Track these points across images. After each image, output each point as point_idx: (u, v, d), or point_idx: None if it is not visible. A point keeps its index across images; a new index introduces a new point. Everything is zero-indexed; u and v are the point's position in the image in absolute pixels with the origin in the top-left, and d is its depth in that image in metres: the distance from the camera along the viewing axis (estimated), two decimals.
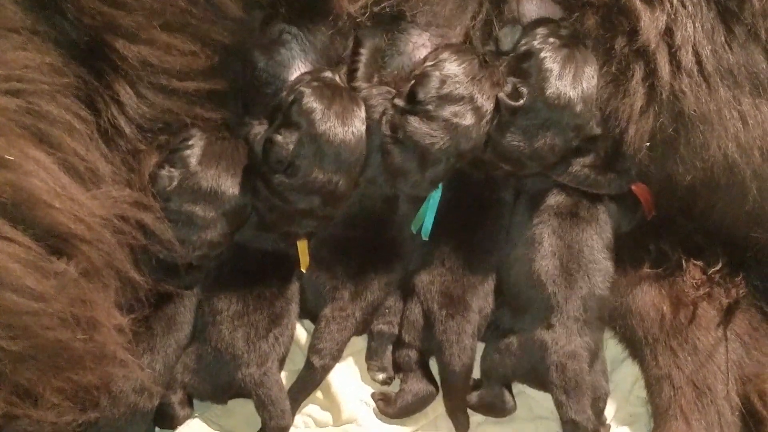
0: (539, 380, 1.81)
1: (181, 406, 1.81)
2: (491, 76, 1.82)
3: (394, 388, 1.88)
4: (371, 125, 1.82)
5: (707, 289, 1.87)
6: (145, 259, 1.72)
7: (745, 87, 1.74)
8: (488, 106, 1.79)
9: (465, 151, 1.79)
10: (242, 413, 1.86)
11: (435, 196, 1.87)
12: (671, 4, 1.75)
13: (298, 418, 1.86)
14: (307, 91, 1.77)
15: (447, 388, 1.84)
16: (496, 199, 1.92)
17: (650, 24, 1.74)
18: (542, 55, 1.79)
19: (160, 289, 1.78)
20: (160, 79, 1.69)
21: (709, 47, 1.74)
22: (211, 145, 1.81)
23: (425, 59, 1.87)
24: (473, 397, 1.85)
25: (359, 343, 1.91)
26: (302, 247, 1.87)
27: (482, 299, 1.86)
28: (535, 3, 1.93)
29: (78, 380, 1.53)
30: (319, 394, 1.88)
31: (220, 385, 1.81)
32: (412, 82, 1.82)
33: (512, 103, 1.78)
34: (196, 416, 1.85)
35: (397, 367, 1.87)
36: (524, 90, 1.78)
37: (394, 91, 1.87)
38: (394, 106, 1.81)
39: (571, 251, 1.84)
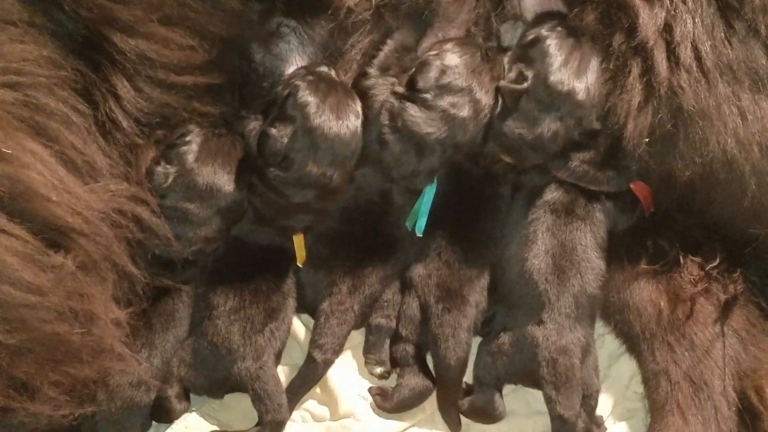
0: (531, 378, 1.81)
1: (178, 400, 1.81)
2: (492, 70, 1.82)
3: (391, 382, 1.88)
4: (370, 116, 1.82)
5: (705, 285, 1.87)
6: (142, 254, 1.72)
7: (745, 83, 1.74)
8: (486, 100, 1.79)
9: (461, 143, 1.79)
10: (239, 407, 1.86)
11: (429, 193, 1.87)
12: (671, 0, 1.74)
13: (296, 413, 1.86)
14: (302, 84, 1.77)
15: (441, 381, 1.84)
16: (493, 194, 1.92)
17: (649, 20, 1.74)
18: (548, 42, 1.79)
19: (158, 284, 1.78)
20: (158, 73, 1.69)
21: (709, 43, 1.73)
22: (208, 141, 1.80)
23: (429, 49, 1.87)
24: (464, 402, 1.85)
25: (357, 337, 1.91)
26: (298, 241, 1.87)
27: (479, 294, 1.87)
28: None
29: (75, 374, 1.54)
30: (316, 388, 1.88)
31: (216, 379, 1.82)
32: (413, 70, 1.82)
33: (514, 86, 1.78)
34: (193, 410, 1.85)
35: (394, 362, 1.87)
36: (528, 74, 1.78)
37: (395, 81, 1.86)
38: (394, 93, 1.81)
39: (565, 249, 1.84)
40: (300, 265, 1.88)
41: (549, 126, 1.78)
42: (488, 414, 1.84)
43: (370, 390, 1.88)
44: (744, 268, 1.88)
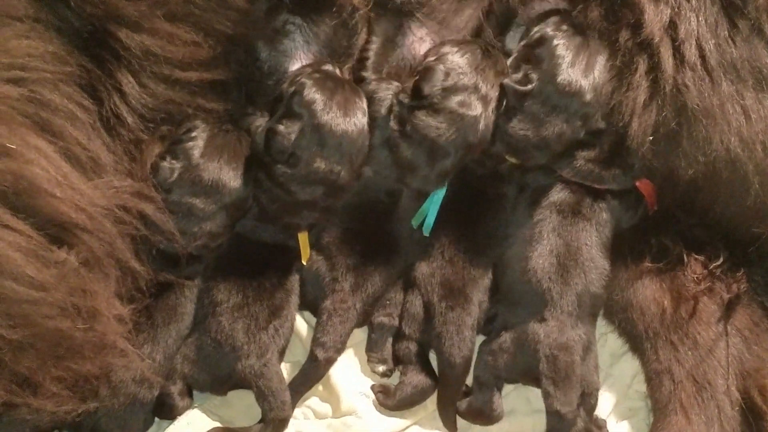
0: (532, 375, 1.80)
1: (181, 396, 1.81)
2: (495, 64, 1.82)
3: (393, 380, 1.88)
4: (378, 119, 1.82)
5: (708, 284, 1.87)
6: (146, 249, 1.72)
7: (749, 81, 1.74)
8: (493, 94, 1.79)
9: (473, 143, 1.78)
10: (242, 404, 1.86)
11: (438, 193, 1.86)
12: None
13: (298, 410, 1.86)
14: (309, 82, 1.77)
15: (445, 380, 1.84)
16: (498, 194, 1.92)
17: (654, 17, 1.74)
18: (555, 41, 1.78)
19: (162, 280, 1.78)
20: (163, 69, 1.68)
21: (713, 41, 1.73)
22: (214, 137, 1.80)
23: (426, 55, 1.87)
24: (462, 404, 1.84)
25: (359, 335, 1.91)
26: (303, 239, 1.87)
27: (482, 292, 1.87)
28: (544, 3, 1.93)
29: (78, 370, 1.53)
30: (318, 385, 1.87)
31: (219, 376, 1.81)
32: (416, 77, 1.81)
33: (519, 87, 1.77)
34: (195, 407, 1.85)
35: (397, 360, 1.87)
36: (534, 76, 1.78)
37: (400, 85, 1.86)
38: (400, 102, 1.81)
39: (569, 249, 1.83)
40: (304, 263, 1.88)
41: (555, 127, 1.78)
42: (486, 415, 1.84)
43: (372, 387, 1.88)
44: (747, 268, 1.88)
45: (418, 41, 1.94)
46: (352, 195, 1.86)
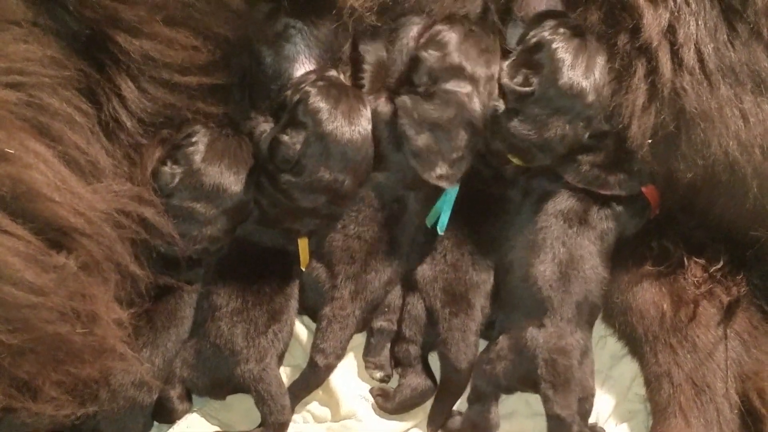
0: (530, 381, 1.80)
1: (180, 400, 1.81)
2: (477, 43, 1.81)
3: (393, 383, 1.88)
4: (382, 128, 1.83)
5: (709, 287, 1.87)
6: (146, 253, 1.72)
7: (747, 85, 1.74)
8: (481, 72, 1.78)
9: (472, 120, 1.77)
10: (241, 408, 1.85)
11: (452, 191, 1.85)
12: (674, 1, 1.74)
13: (297, 414, 1.86)
14: (313, 90, 1.77)
15: (448, 383, 1.84)
16: (502, 198, 1.91)
17: (653, 21, 1.74)
18: (554, 45, 1.77)
19: (161, 283, 1.78)
20: (162, 73, 1.68)
21: (711, 45, 1.73)
22: (215, 141, 1.80)
23: (417, 40, 1.87)
24: (455, 421, 1.84)
25: (358, 338, 1.91)
26: (303, 245, 1.87)
27: (483, 297, 1.86)
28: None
29: (77, 374, 1.54)
30: (318, 389, 1.87)
31: (218, 380, 1.81)
32: (405, 68, 1.83)
33: (518, 88, 1.77)
34: (194, 411, 1.85)
35: (396, 362, 1.87)
36: (534, 80, 1.77)
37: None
38: (392, 96, 1.82)
39: (573, 257, 1.83)
40: (303, 269, 1.88)
41: (557, 129, 1.77)
42: (482, 428, 1.83)
43: (371, 391, 1.87)
44: (747, 271, 1.88)
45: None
46: (360, 201, 1.85)
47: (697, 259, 1.90)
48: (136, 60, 1.64)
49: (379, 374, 1.87)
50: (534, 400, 1.89)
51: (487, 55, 1.81)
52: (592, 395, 1.82)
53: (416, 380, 1.84)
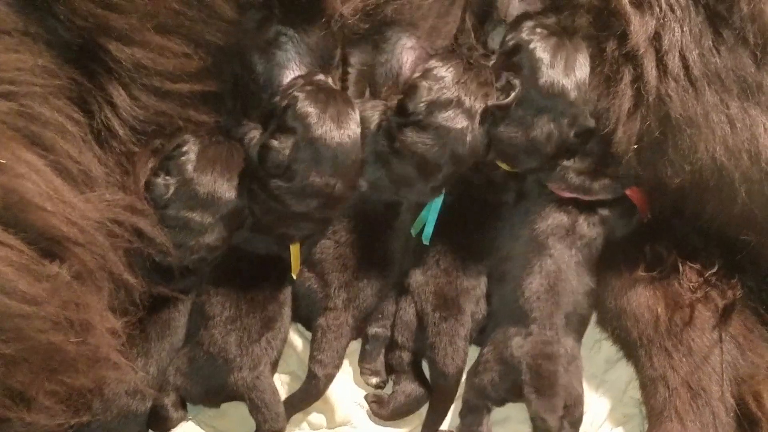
0: (518, 390, 1.79)
1: (175, 408, 1.80)
2: (477, 76, 1.82)
3: (387, 390, 1.88)
4: (368, 135, 1.83)
5: (704, 292, 1.87)
6: (140, 262, 1.72)
7: (733, 90, 1.74)
8: (477, 106, 1.79)
9: (462, 156, 1.79)
10: (236, 415, 1.85)
11: (437, 201, 1.87)
12: (660, 8, 1.75)
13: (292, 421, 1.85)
14: (301, 95, 1.77)
15: (437, 389, 1.84)
16: (495, 203, 1.92)
17: (639, 29, 1.75)
18: (531, 46, 1.79)
19: (155, 293, 1.77)
20: (154, 81, 1.68)
21: (697, 51, 1.75)
22: (206, 149, 1.80)
23: (414, 71, 1.88)
24: None
25: (353, 345, 1.91)
26: (295, 251, 1.87)
27: (474, 303, 1.87)
28: (522, 3, 1.94)
29: (71, 383, 1.53)
30: None
31: (212, 388, 1.81)
32: (401, 96, 1.82)
33: (500, 102, 1.78)
34: (189, 419, 1.84)
35: (390, 368, 1.87)
36: (516, 81, 1.78)
37: (386, 103, 1.88)
38: (388, 120, 1.83)
39: (561, 271, 1.84)
40: (294, 276, 1.87)
41: (543, 128, 1.78)
42: None
43: (366, 397, 1.88)
44: (741, 274, 1.89)
45: (408, 50, 1.94)
46: (350, 208, 1.86)
47: (692, 264, 1.90)
48: (127, 68, 1.64)
49: (374, 380, 1.87)
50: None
51: (486, 88, 1.82)
52: (581, 402, 1.81)
53: (410, 387, 1.84)
